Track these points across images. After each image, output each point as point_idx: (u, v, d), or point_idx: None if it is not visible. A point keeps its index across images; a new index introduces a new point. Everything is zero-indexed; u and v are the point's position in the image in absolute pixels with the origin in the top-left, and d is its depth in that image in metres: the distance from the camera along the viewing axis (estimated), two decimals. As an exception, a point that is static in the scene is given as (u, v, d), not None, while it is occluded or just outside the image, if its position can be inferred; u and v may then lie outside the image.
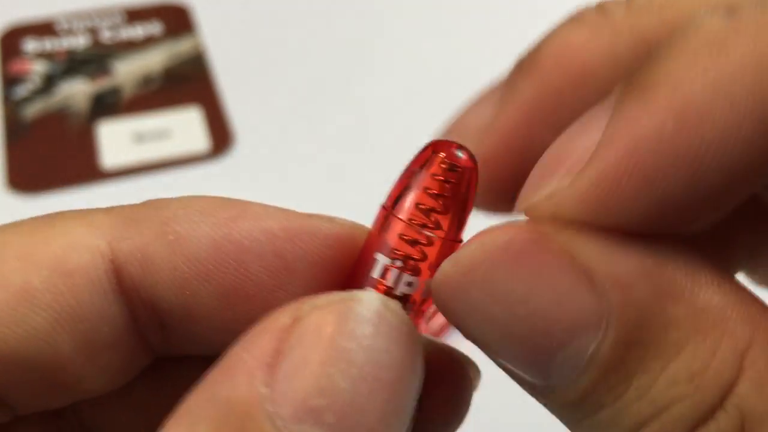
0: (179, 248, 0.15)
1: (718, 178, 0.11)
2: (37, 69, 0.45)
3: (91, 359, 0.14)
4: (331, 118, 0.43)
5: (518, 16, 0.51)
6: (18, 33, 0.47)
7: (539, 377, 0.12)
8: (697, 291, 0.12)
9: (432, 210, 0.15)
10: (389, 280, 0.15)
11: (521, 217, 0.13)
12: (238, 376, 0.12)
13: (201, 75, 0.45)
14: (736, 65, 0.11)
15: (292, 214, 0.16)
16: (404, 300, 0.15)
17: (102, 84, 0.44)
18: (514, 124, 0.15)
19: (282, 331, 0.12)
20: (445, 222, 0.15)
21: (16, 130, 0.41)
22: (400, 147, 0.43)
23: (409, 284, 0.15)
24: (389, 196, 0.16)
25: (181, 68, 0.45)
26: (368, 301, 0.13)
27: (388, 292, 0.15)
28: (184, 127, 0.41)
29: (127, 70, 0.45)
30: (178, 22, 0.48)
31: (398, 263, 0.15)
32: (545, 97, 0.14)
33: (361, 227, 0.16)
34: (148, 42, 0.47)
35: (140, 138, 0.40)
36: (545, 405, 0.13)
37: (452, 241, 0.15)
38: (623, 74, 0.13)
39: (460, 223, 0.15)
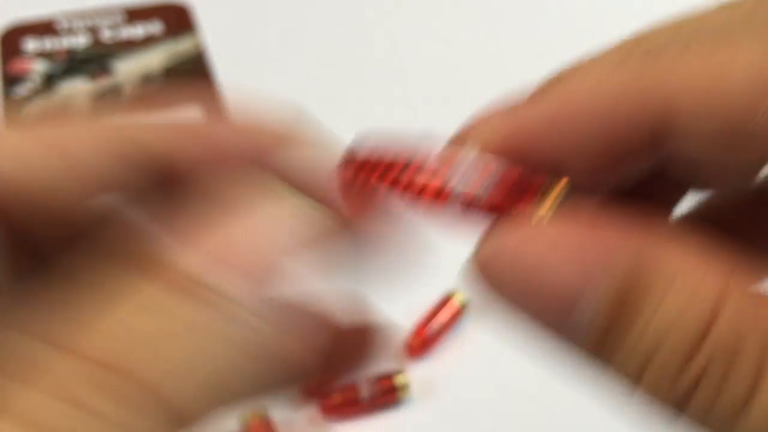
0: None
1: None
2: (38, 68, 0.45)
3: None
4: (331, 118, 0.43)
5: (516, 17, 0.51)
6: (18, 32, 0.47)
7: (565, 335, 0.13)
8: (671, 247, 0.13)
9: None
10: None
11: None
12: None
13: (201, 75, 0.45)
14: None
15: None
16: None
17: (102, 83, 0.44)
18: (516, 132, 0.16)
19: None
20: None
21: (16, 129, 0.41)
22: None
23: None
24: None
25: (181, 68, 0.45)
26: None
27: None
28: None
29: (128, 70, 0.45)
30: (179, 22, 0.49)
31: None
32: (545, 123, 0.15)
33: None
34: (148, 41, 0.47)
35: (140, 137, 0.41)
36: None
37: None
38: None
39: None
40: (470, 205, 0.14)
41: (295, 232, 0.15)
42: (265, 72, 0.46)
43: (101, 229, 0.15)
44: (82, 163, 0.15)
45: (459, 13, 0.51)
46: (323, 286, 0.16)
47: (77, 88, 0.44)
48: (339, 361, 0.17)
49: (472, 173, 0.15)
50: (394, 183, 0.16)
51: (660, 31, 0.15)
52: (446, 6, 0.51)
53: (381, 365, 0.30)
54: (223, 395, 0.13)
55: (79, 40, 0.47)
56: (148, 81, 0.44)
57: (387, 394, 0.29)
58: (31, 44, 0.46)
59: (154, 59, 0.46)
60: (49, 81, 0.44)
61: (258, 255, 0.14)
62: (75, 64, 0.45)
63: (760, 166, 0.14)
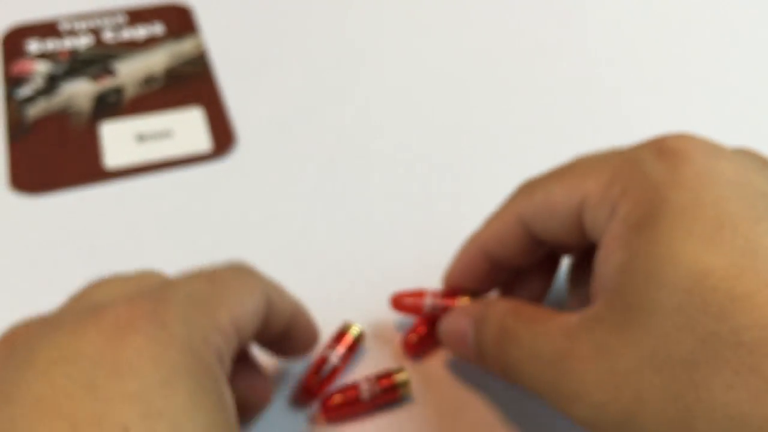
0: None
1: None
2: (40, 69, 0.45)
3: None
4: (332, 119, 0.43)
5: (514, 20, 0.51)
6: (21, 33, 0.47)
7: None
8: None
9: None
10: None
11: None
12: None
13: (203, 75, 0.45)
14: None
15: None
16: None
17: (104, 84, 0.44)
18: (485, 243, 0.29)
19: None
20: None
21: (18, 130, 0.41)
22: (399, 148, 0.44)
23: None
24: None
25: (183, 69, 0.45)
26: None
27: None
28: (186, 127, 0.41)
29: (130, 71, 0.45)
30: (181, 23, 0.49)
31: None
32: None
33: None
34: (150, 43, 0.47)
35: (142, 138, 0.41)
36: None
37: None
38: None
39: None
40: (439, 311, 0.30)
41: None
42: (266, 72, 0.46)
43: None
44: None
45: (459, 13, 0.51)
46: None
47: (79, 89, 0.44)
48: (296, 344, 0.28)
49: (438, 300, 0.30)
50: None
51: (538, 178, 0.27)
52: (447, 7, 0.51)
53: (381, 365, 0.31)
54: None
55: (82, 42, 0.47)
56: (150, 82, 0.44)
57: (388, 392, 0.29)
58: (33, 45, 0.47)
59: (156, 60, 0.46)
60: (52, 82, 0.44)
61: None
62: (77, 65, 0.45)
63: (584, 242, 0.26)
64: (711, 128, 0.29)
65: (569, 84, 0.45)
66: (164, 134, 0.41)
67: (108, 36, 0.48)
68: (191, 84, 0.44)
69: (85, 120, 0.42)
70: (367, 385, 0.29)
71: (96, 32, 0.48)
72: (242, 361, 0.27)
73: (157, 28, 0.48)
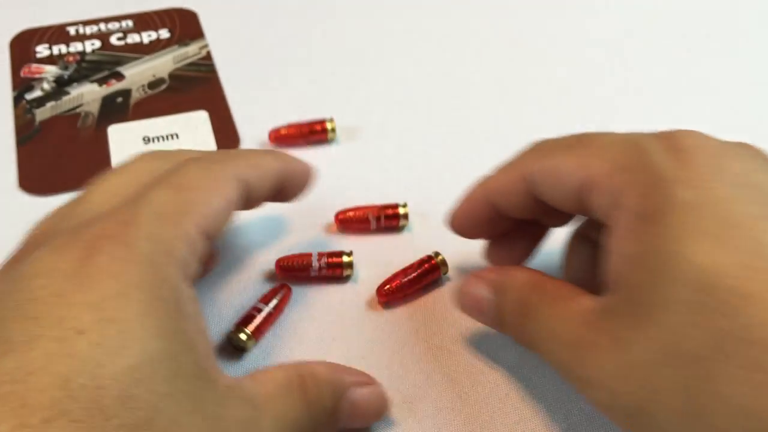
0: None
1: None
2: (48, 73, 0.46)
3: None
4: (334, 120, 0.43)
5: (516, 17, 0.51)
6: (29, 38, 0.48)
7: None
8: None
9: None
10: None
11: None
12: None
13: (208, 79, 0.46)
14: None
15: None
16: None
17: (111, 88, 0.45)
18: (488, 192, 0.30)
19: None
20: None
21: (27, 132, 0.42)
22: (398, 149, 0.44)
23: None
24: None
25: (188, 72, 0.46)
26: None
27: None
28: (191, 130, 0.42)
29: (136, 74, 0.46)
30: (186, 28, 0.49)
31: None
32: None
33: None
34: (156, 47, 0.48)
35: (149, 141, 0.41)
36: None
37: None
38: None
39: None
40: None
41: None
42: (269, 77, 0.46)
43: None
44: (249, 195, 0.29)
45: (460, 15, 0.51)
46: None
47: (87, 92, 0.44)
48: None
49: None
50: None
51: (551, 142, 0.29)
52: (447, 10, 0.52)
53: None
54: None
55: (89, 46, 0.48)
56: (156, 85, 0.45)
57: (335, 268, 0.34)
58: (42, 49, 0.47)
59: (162, 64, 0.46)
60: (60, 85, 0.45)
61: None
62: (85, 69, 0.46)
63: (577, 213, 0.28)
64: (716, 126, 0.29)
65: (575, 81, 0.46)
66: (170, 137, 0.42)
67: (115, 40, 0.48)
68: (196, 87, 0.45)
69: (92, 123, 0.42)
70: (317, 258, 0.34)
71: (103, 37, 0.48)
72: None
73: (163, 33, 0.49)
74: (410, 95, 0.45)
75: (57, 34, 0.49)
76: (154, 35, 0.49)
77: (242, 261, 0.35)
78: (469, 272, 0.32)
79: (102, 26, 0.49)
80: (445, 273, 0.35)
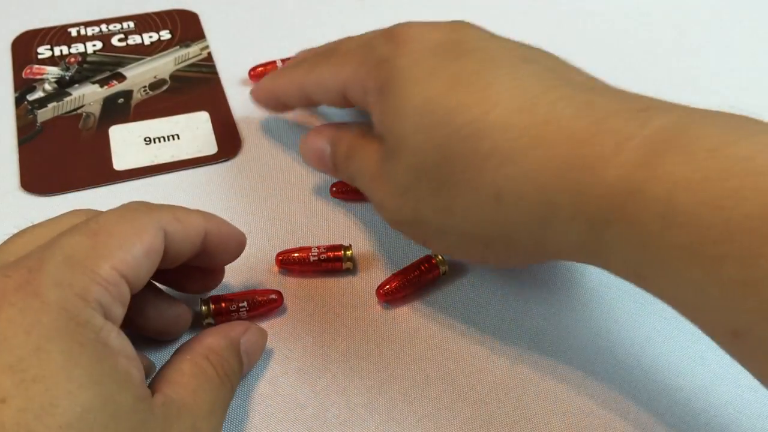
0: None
1: None
2: (50, 74, 0.46)
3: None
4: (334, 121, 0.43)
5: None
6: (31, 39, 0.48)
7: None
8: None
9: None
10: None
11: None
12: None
13: (209, 80, 0.46)
14: None
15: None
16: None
17: (113, 89, 0.45)
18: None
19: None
20: None
21: (28, 133, 0.42)
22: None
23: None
24: None
25: (189, 73, 0.46)
26: None
27: None
28: (192, 130, 0.42)
29: (138, 75, 0.46)
30: (188, 29, 0.50)
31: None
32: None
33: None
34: (157, 48, 0.48)
35: (150, 141, 0.41)
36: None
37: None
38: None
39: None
40: None
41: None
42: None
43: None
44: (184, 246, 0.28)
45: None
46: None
47: (88, 93, 0.44)
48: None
49: None
50: None
51: (310, 52, 0.38)
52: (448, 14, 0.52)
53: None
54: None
55: (91, 47, 0.48)
56: (157, 86, 0.45)
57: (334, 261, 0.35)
58: (43, 50, 0.47)
59: (163, 65, 0.47)
60: (61, 86, 0.45)
61: None
62: (86, 70, 0.46)
63: None
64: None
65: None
66: (171, 137, 0.42)
67: (116, 41, 0.48)
68: (197, 88, 0.45)
69: (93, 123, 0.43)
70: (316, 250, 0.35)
71: (105, 38, 0.49)
72: (153, 294, 0.31)
73: (164, 34, 0.49)
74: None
75: (58, 35, 0.49)
76: (155, 36, 0.49)
77: (248, 252, 0.36)
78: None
79: (103, 27, 0.49)
80: (445, 272, 0.35)
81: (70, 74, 0.46)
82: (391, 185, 0.30)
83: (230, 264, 0.35)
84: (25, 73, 0.46)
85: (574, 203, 0.25)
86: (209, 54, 0.48)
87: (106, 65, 0.46)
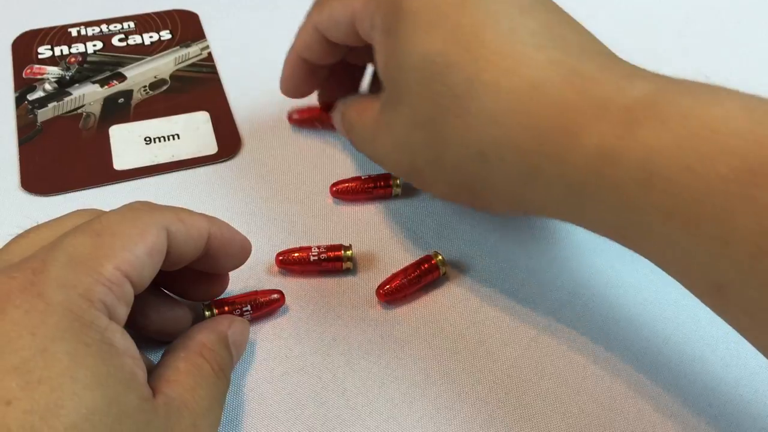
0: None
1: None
2: (50, 74, 0.46)
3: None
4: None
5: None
6: (31, 39, 0.48)
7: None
8: None
9: None
10: None
11: None
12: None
13: (209, 80, 0.46)
14: None
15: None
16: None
17: (113, 88, 0.45)
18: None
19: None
20: None
21: (29, 133, 0.42)
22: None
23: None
24: None
25: (189, 73, 0.46)
26: None
27: None
28: (192, 130, 0.42)
29: (138, 75, 0.46)
30: (188, 29, 0.50)
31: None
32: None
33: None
34: (157, 48, 0.48)
35: (150, 141, 0.41)
36: None
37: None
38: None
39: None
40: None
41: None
42: (270, 78, 0.46)
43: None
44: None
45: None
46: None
47: (89, 93, 0.44)
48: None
49: None
50: None
51: None
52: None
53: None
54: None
55: (91, 47, 0.48)
56: (157, 86, 0.45)
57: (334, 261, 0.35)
58: (44, 50, 0.47)
59: (163, 65, 0.47)
60: (62, 86, 0.45)
61: None
62: (87, 70, 0.46)
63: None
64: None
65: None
66: (171, 137, 0.42)
67: (117, 41, 0.48)
68: (198, 88, 0.45)
69: (94, 123, 0.43)
70: (316, 250, 0.35)
71: (105, 38, 0.49)
72: (155, 295, 0.30)
73: (165, 34, 0.49)
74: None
75: (59, 35, 0.49)
76: (155, 36, 0.49)
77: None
78: None
79: (104, 27, 0.49)
80: (445, 273, 0.35)
81: (70, 74, 0.46)
82: (390, 138, 0.32)
83: (230, 264, 0.35)
84: (26, 73, 0.46)
85: (554, 168, 0.26)
86: (209, 54, 0.48)
87: (106, 65, 0.46)
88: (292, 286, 0.35)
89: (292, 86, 0.39)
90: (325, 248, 0.35)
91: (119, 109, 0.43)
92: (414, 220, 0.38)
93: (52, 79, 0.45)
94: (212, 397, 0.27)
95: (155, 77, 0.46)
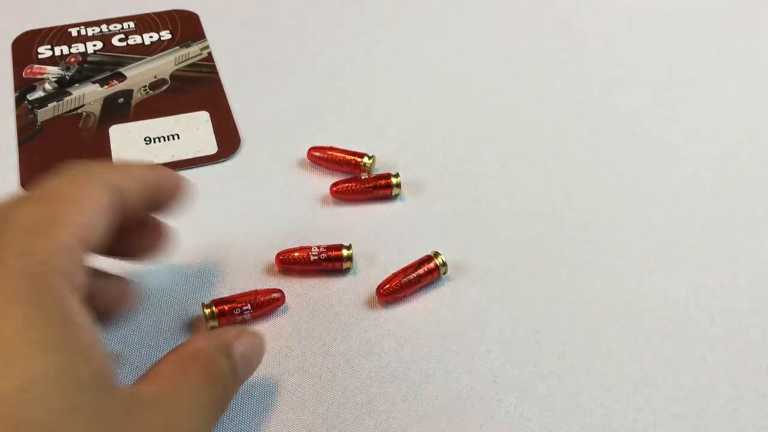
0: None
1: None
2: (50, 73, 0.46)
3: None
4: (334, 122, 0.43)
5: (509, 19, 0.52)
6: (31, 38, 0.48)
7: None
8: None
9: None
10: None
11: None
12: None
13: (209, 80, 0.46)
14: None
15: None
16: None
17: (113, 88, 0.45)
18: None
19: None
20: None
21: (28, 132, 0.42)
22: (394, 150, 0.44)
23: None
24: None
25: (189, 73, 0.46)
26: None
27: None
28: (192, 130, 0.42)
29: (138, 75, 0.46)
30: (188, 29, 0.50)
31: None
32: None
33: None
34: (157, 48, 0.48)
35: (150, 141, 0.41)
36: None
37: None
38: None
39: None
40: None
41: None
42: (270, 77, 0.46)
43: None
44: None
45: (462, 26, 0.51)
46: None
47: (89, 93, 0.44)
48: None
49: None
50: None
51: None
52: (448, 18, 0.52)
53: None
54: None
55: (91, 47, 0.48)
56: (157, 86, 0.45)
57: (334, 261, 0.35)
58: (44, 50, 0.47)
59: (163, 65, 0.47)
60: (62, 86, 0.45)
61: None
62: (87, 70, 0.46)
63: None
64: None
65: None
66: (171, 137, 0.42)
67: (117, 41, 0.48)
68: (198, 88, 0.45)
69: (94, 123, 0.43)
70: (316, 250, 0.35)
71: (105, 38, 0.49)
72: (92, 273, 0.28)
73: (165, 34, 0.49)
74: (411, 95, 0.45)
75: (59, 35, 0.49)
76: (155, 36, 0.49)
77: (248, 252, 0.36)
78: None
79: (104, 27, 0.49)
80: (445, 273, 0.35)
81: (70, 74, 0.46)
82: None
83: (231, 264, 0.35)
84: (26, 73, 0.46)
85: None
86: (209, 54, 0.48)
87: (106, 65, 0.46)
88: (292, 286, 0.34)
89: None
90: (325, 248, 0.35)
91: (119, 109, 0.43)
92: (414, 220, 0.38)
93: (52, 79, 0.45)
94: (197, 400, 0.25)
95: (155, 77, 0.46)
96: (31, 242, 0.23)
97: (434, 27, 0.51)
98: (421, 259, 0.35)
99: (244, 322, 0.33)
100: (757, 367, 0.32)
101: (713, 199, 0.40)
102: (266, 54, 0.48)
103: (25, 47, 0.48)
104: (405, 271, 0.34)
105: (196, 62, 0.47)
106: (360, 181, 0.38)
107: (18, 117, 0.43)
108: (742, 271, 0.36)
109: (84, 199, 0.25)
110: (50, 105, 0.43)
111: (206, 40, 0.49)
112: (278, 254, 0.35)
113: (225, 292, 0.34)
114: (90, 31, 0.49)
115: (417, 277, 0.34)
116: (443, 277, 0.35)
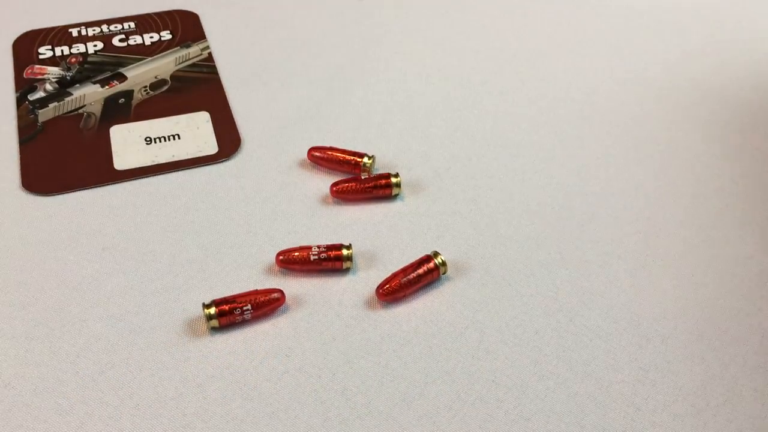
0: None
1: None
2: (51, 74, 0.46)
3: None
4: (334, 122, 0.43)
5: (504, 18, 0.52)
6: (32, 39, 0.48)
7: None
8: None
9: None
10: None
11: None
12: None
13: (209, 80, 0.46)
14: None
15: None
16: None
17: (114, 89, 0.45)
18: None
19: None
20: None
21: (29, 133, 0.42)
22: (394, 150, 0.45)
23: None
24: None
25: (190, 73, 0.46)
26: None
27: None
28: (193, 130, 0.42)
29: (138, 75, 0.46)
30: (188, 29, 0.50)
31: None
32: None
33: None
34: (158, 48, 0.48)
35: (151, 141, 0.42)
36: None
37: None
38: None
39: None
40: None
41: None
42: (270, 78, 0.46)
43: None
44: None
45: (461, 26, 0.51)
46: None
47: (89, 93, 0.45)
48: None
49: None
50: None
51: None
52: (448, 19, 0.52)
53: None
54: None
55: (92, 47, 0.48)
56: (158, 87, 0.45)
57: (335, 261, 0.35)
58: (44, 51, 0.48)
59: (164, 65, 0.47)
60: (62, 87, 0.45)
61: None
62: (87, 70, 0.46)
63: None
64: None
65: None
66: (172, 137, 0.42)
67: (117, 42, 0.48)
68: (198, 88, 0.45)
69: (94, 123, 0.43)
70: (317, 249, 0.35)
71: (106, 38, 0.49)
72: None
73: (165, 35, 0.49)
74: (411, 95, 0.45)
75: (60, 35, 0.49)
76: (156, 37, 0.49)
77: (248, 252, 0.36)
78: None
79: (104, 28, 0.50)
80: (445, 273, 0.35)
81: (71, 74, 0.46)
82: None
83: (231, 263, 0.35)
84: (27, 73, 0.46)
85: None
86: (210, 54, 0.48)
87: (107, 65, 0.47)
88: (292, 286, 0.35)
89: None
90: (325, 248, 0.35)
91: (120, 109, 0.43)
92: (414, 220, 0.38)
93: (53, 80, 0.45)
94: None
95: (156, 77, 0.46)
96: None
97: (434, 27, 0.51)
98: (420, 258, 0.35)
99: (244, 322, 0.33)
100: (757, 366, 0.32)
101: (714, 199, 0.40)
102: (266, 54, 0.48)
103: (25, 47, 0.48)
104: (405, 270, 0.34)
105: (196, 62, 0.47)
106: (360, 181, 0.38)
107: (19, 117, 0.43)
108: (742, 271, 0.36)
109: None
110: (51, 105, 0.44)
111: (206, 41, 0.49)
112: (278, 254, 0.35)
113: (225, 292, 0.34)
114: (90, 32, 0.49)
115: (417, 277, 0.34)
116: (443, 277, 0.35)
